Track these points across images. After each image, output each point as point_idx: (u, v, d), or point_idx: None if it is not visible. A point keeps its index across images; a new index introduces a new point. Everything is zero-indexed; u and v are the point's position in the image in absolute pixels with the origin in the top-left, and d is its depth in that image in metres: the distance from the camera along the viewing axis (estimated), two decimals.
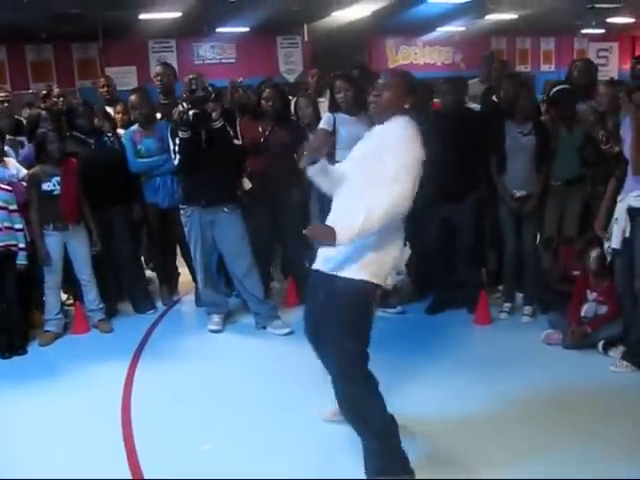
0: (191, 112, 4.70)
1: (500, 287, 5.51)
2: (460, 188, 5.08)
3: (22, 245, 4.95)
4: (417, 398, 3.89)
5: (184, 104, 4.75)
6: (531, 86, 5.60)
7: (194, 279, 5.60)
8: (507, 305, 5.26)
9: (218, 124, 4.74)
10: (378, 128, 3.16)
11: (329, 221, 3.02)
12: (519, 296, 5.30)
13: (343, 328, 3.01)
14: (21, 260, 4.95)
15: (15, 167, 5.26)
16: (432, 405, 3.83)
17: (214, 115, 4.70)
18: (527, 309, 5.16)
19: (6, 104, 6.13)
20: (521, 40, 18.26)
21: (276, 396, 4.06)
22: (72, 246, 5.19)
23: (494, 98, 5.77)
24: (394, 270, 3.27)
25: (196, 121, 4.71)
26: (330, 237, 2.81)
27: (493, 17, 14.30)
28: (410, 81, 3.22)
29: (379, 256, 3.00)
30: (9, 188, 4.96)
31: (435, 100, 5.53)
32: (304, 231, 2.93)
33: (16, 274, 4.98)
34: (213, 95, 4.71)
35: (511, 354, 4.57)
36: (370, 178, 2.96)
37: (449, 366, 4.37)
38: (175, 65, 6.42)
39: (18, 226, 4.96)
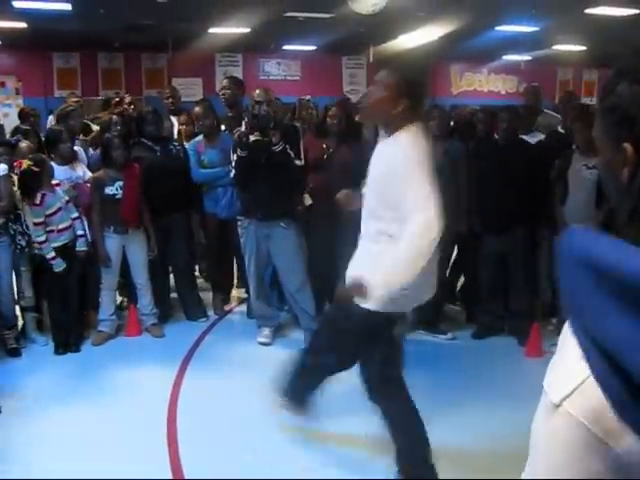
0: (252, 138, 4.77)
1: (554, 320, 5.42)
2: (510, 219, 5.04)
3: (81, 232, 5.08)
4: (455, 426, 3.83)
5: (245, 128, 4.82)
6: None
7: (247, 291, 5.65)
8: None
9: (278, 148, 4.79)
10: (387, 147, 2.87)
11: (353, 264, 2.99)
12: None
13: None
14: (81, 246, 5.06)
15: (82, 169, 5.42)
16: (468, 435, 3.77)
17: (274, 139, 4.76)
18: None
19: (78, 108, 6.31)
20: (588, 71, 18.03)
21: (320, 414, 4.05)
22: (130, 250, 5.30)
23: (560, 129, 5.71)
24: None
25: (256, 146, 4.78)
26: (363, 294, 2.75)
27: (560, 47, 14.17)
28: (406, 80, 2.80)
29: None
30: (58, 182, 5.07)
31: None
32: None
33: (78, 272, 5.11)
34: (273, 124, 4.76)
35: None
36: (385, 201, 2.79)
37: (492, 396, 4.29)
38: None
39: (74, 215, 5.09)
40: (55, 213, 4.92)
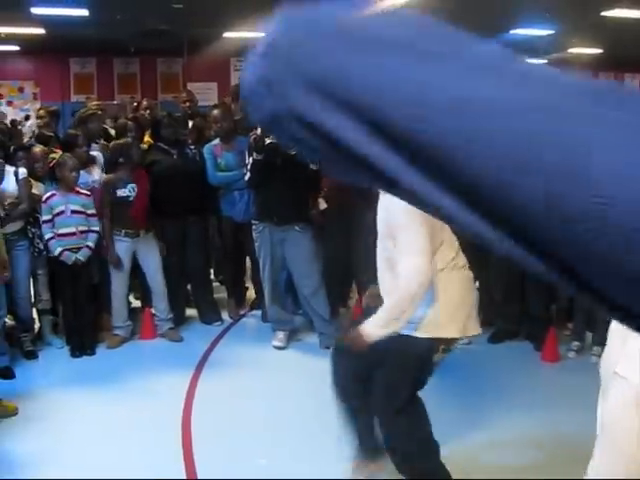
0: (267, 141, 4.78)
1: (570, 325, 5.38)
2: None
3: (90, 244, 5.06)
4: (469, 430, 3.82)
5: (261, 132, 4.82)
6: None
7: (261, 294, 5.63)
8: (576, 344, 5.13)
9: (294, 151, 4.77)
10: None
11: None
12: (589, 335, 5.16)
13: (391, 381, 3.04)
14: (81, 255, 5.01)
15: (98, 173, 5.44)
16: (483, 438, 3.74)
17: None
18: (597, 350, 4.99)
19: (99, 112, 6.36)
20: (604, 75, 17.93)
21: (334, 418, 4.05)
22: (142, 254, 5.30)
23: None
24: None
25: (271, 149, 4.79)
26: (363, 344, 2.84)
27: (576, 51, 14.11)
28: None
29: (435, 309, 2.93)
30: (87, 193, 5.12)
31: None
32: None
33: (89, 277, 5.14)
34: None
35: (576, 395, 4.41)
36: (387, 257, 2.92)
37: (508, 401, 4.27)
38: None
39: (95, 228, 5.11)
40: (57, 215, 4.95)
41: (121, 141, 5.37)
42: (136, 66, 14.24)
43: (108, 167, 5.45)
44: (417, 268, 2.75)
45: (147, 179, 5.26)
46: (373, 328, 2.82)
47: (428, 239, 2.79)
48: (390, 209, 2.82)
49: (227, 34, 11.94)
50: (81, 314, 5.13)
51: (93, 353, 5.14)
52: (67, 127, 8.16)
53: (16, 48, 12.78)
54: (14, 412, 4.11)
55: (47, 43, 12.05)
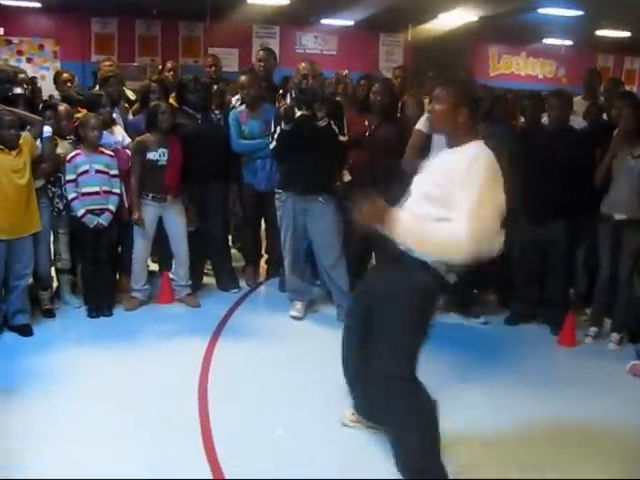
0: (298, 112, 4.74)
1: (587, 310, 5.36)
2: (555, 209, 4.94)
3: (112, 207, 5.05)
4: (475, 410, 3.81)
5: (291, 102, 4.77)
6: None
7: (279, 264, 5.63)
8: (593, 329, 5.11)
9: (322, 123, 4.75)
10: (452, 154, 2.97)
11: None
12: (607, 321, 5.14)
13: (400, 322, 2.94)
14: (103, 220, 5.01)
15: (121, 134, 5.41)
16: (488, 420, 3.73)
17: (319, 114, 4.72)
18: (614, 336, 4.99)
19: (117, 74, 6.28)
20: (630, 60, 17.69)
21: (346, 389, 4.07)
22: (169, 220, 5.28)
23: (604, 117, 5.60)
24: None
25: (301, 121, 4.75)
26: (382, 222, 2.82)
27: (603, 33, 13.89)
28: (466, 92, 3.01)
29: None
30: (111, 153, 5.11)
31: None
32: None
33: (110, 238, 5.14)
34: (320, 102, 4.72)
35: (591, 380, 4.41)
36: (437, 199, 2.87)
37: (522, 382, 4.26)
38: (277, 51, 6.46)
39: (116, 190, 5.09)
40: (81, 174, 4.94)
41: (156, 103, 5.31)
42: (157, 28, 14.11)
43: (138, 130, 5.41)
44: (473, 235, 2.70)
45: (180, 144, 5.22)
46: (399, 227, 2.81)
47: (491, 207, 2.80)
48: (452, 173, 2.83)
49: (250, 0, 11.81)
50: (100, 275, 5.14)
51: (110, 314, 5.15)
52: (87, 87, 8.16)
53: (37, 5, 12.68)
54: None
55: (69, 1, 11.96)
